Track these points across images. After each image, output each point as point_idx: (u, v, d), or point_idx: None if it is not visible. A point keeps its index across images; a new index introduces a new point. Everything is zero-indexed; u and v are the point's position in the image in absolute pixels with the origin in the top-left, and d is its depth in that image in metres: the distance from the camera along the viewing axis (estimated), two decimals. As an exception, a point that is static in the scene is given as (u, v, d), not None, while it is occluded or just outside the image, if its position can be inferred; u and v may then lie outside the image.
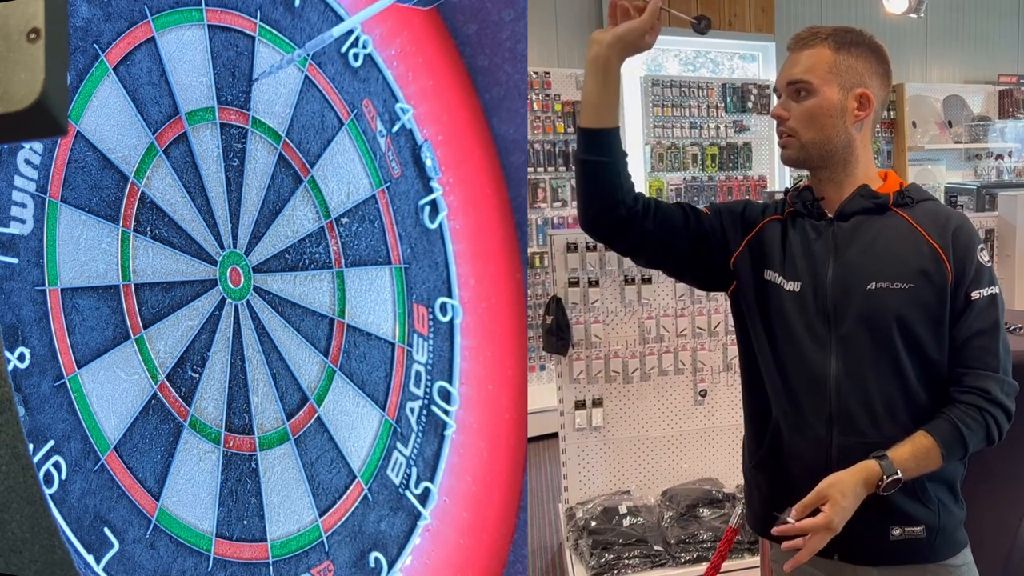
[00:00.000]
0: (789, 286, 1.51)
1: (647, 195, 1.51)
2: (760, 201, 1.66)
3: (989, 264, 1.48)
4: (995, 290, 1.47)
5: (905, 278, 1.44)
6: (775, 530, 1.36)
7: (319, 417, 1.39)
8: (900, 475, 1.37)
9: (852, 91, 1.49)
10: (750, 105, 6.04)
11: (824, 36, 1.50)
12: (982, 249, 1.48)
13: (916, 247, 1.46)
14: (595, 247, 3.25)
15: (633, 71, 6.25)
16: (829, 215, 1.53)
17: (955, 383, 1.45)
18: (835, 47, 1.49)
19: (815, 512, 1.34)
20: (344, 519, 1.39)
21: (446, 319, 1.58)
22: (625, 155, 1.47)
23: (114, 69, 1.17)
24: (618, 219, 1.46)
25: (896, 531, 1.45)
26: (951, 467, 1.46)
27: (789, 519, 1.34)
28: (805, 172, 1.58)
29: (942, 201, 5.08)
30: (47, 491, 1.04)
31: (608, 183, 1.44)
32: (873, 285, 1.45)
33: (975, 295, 1.44)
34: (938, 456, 1.40)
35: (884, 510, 1.42)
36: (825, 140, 1.49)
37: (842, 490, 1.36)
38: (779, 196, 1.65)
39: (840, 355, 1.46)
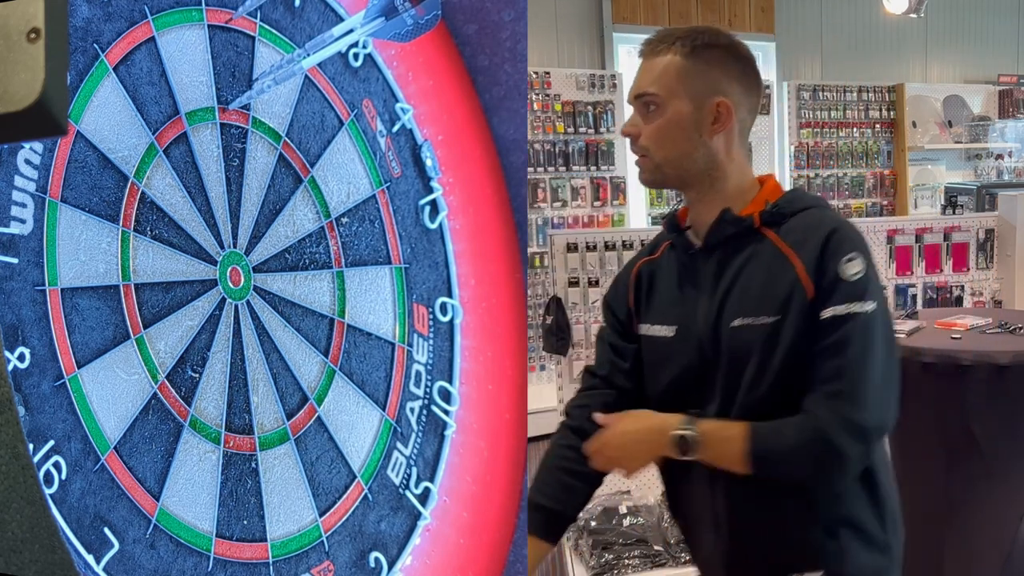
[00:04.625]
0: (663, 332, 1.39)
1: (578, 412, 1.44)
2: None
3: (857, 277, 1.25)
4: (856, 308, 1.24)
5: (770, 310, 1.27)
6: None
7: (319, 417, 1.39)
8: (692, 435, 1.26)
9: (707, 101, 1.32)
10: (750, 105, 6.02)
11: (673, 40, 1.35)
12: (851, 260, 1.25)
13: (782, 272, 1.28)
14: (595, 247, 3.25)
15: (635, 71, 6.24)
16: (697, 244, 1.38)
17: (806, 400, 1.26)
18: (685, 53, 1.33)
19: None
20: (344, 519, 1.39)
21: (446, 319, 1.58)
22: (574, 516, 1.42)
23: (114, 69, 1.17)
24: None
25: None
26: (855, 506, 1.31)
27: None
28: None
29: (942, 201, 5.08)
30: (47, 491, 1.04)
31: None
32: (738, 322, 1.29)
33: (826, 313, 1.24)
34: (740, 451, 1.24)
35: (782, 548, 1.32)
36: (681, 158, 1.34)
37: (634, 418, 1.31)
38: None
39: (716, 399, 1.32)
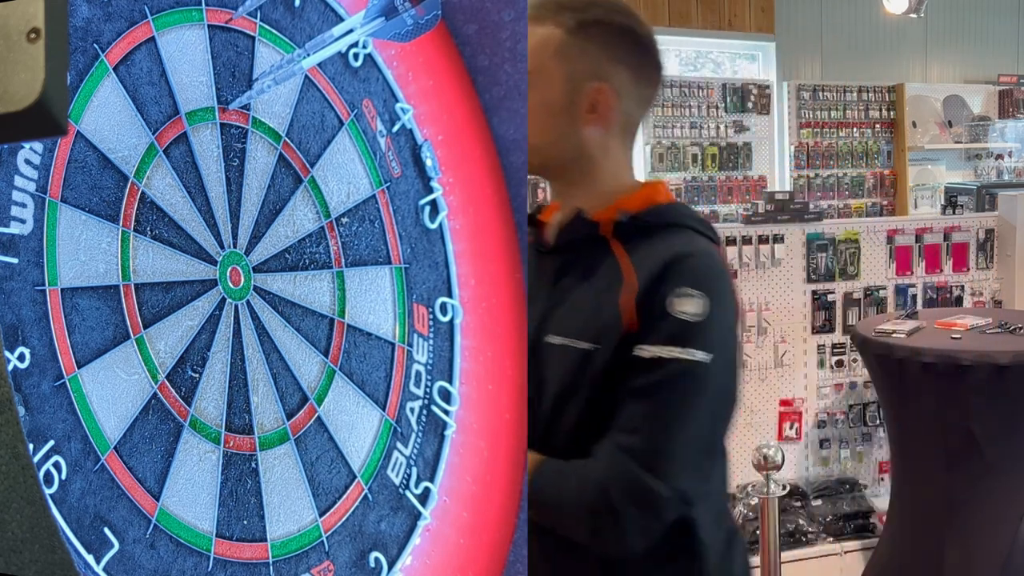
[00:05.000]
0: None
1: None
2: None
3: (690, 318, 1.02)
4: (681, 354, 1.00)
5: (589, 335, 1.09)
6: None
7: (319, 417, 1.39)
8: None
9: (584, 85, 1.13)
10: (750, 105, 6.05)
11: (560, 9, 1.15)
12: (689, 296, 1.02)
13: (613, 294, 1.08)
14: (595, 247, 3.24)
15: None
16: (550, 243, 1.23)
17: (596, 446, 1.06)
18: (570, 27, 1.14)
19: None
20: (344, 519, 1.39)
21: (446, 319, 1.58)
22: None
23: (114, 69, 1.17)
24: None
25: None
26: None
27: None
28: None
29: (942, 201, 5.08)
30: (47, 491, 1.04)
31: None
32: (557, 340, 1.13)
33: (644, 352, 1.03)
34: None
35: None
36: (545, 145, 1.18)
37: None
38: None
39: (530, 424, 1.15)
